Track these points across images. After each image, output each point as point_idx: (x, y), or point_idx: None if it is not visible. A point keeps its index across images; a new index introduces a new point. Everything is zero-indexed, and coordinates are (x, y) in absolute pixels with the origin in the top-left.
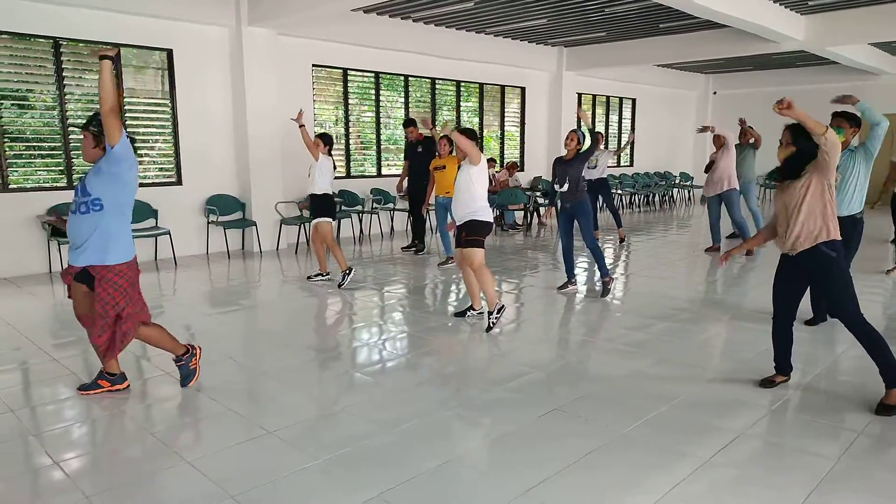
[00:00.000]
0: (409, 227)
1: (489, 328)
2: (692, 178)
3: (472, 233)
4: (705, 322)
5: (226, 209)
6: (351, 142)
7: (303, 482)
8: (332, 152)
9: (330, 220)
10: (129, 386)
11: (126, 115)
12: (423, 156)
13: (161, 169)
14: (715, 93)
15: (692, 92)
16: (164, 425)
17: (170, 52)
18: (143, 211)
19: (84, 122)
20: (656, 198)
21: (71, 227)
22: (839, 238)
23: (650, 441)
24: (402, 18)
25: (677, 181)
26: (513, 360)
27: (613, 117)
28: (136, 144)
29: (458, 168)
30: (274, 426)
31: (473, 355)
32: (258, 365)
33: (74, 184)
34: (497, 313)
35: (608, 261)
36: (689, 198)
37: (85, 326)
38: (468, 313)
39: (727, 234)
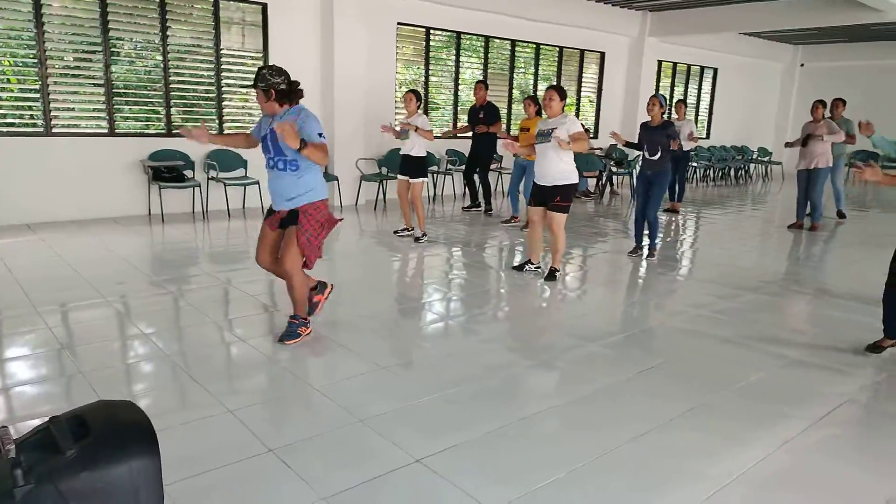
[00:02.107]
0: (468, 187)
1: (550, 279)
2: (771, 153)
3: (565, 198)
4: (794, 296)
5: None
6: (430, 102)
7: (430, 410)
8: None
9: (425, 179)
10: (333, 287)
11: (223, 71)
12: (483, 121)
13: (251, 122)
14: (802, 65)
15: (778, 63)
16: (288, 355)
17: (264, 7)
18: (234, 161)
19: (252, 80)
20: (731, 172)
21: (274, 182)
22: None
23: (752, 402)
24: None
25: (755, 156)
26: (599, 319)
27: (693, 87)
28: (229, 99)
29: (549, 131)
30: (387, 362)
31: (560, 312)
32: (358, 309)
33: (174, 131)
34: (558, 271)
35: (681, 231)
36: (767, 173)
37: (265, 267)
38: (526, 267)
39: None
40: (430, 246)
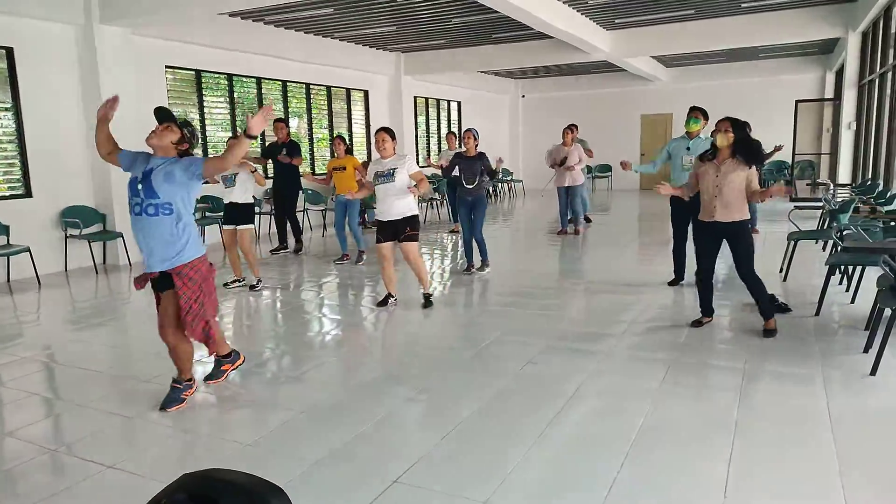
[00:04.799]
0: (277, 229)
1: (428, 305)
2: (512, 173)
3: (414, 228)
4: (581, 287)
5: (86, 220)
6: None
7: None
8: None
9: (252, 226)
10: (244, 359)
11: None
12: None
13: (6, 181)
14: (524, 96)
15: (505, 96)
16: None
17: (10, 51)
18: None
19: (166, 113)
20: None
21: (142, 232)
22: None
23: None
24: (253, 21)
25: (500, 177)
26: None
27: (444, 118)
28: None
29: (390, 171)
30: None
31: (424, 332)
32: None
33: None
34: (431, 295)
35: None
36: (511, 191)
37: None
38: (389, 301)
39: (569, 219)
40: (268, 290)
